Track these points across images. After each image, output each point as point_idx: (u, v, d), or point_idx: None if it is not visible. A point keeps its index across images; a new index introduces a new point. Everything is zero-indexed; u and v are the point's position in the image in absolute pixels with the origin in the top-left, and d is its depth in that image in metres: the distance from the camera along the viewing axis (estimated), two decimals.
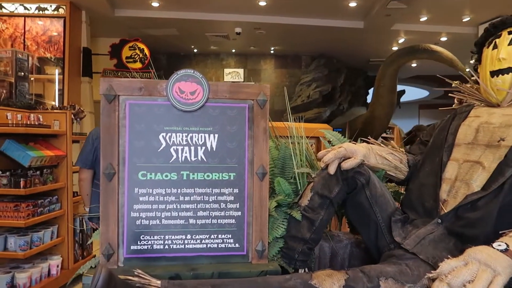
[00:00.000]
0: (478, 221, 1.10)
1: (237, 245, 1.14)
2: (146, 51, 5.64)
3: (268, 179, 1.15)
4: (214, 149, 1.13)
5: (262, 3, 6.01)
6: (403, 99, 9.75)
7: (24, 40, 5.23)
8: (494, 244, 0.93)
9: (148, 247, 1.09)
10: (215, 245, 1.12)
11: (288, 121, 1.58)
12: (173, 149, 1.11)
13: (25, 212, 2.67)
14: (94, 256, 1.11)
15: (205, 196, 1.12)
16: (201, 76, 1.12)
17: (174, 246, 1.10)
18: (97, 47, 6.35)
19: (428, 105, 14.94)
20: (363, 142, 1.39)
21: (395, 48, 7.86)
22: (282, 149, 1.47)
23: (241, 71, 8.95)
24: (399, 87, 6.63)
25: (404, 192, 1.59)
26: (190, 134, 1.11)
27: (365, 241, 1.29)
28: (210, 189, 1.12)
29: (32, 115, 2.89)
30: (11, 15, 5.24)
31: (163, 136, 1.10)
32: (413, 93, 12.85)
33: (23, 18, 5.23)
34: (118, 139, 1.08)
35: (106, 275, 0.84)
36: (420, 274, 1.05)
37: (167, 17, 6.43)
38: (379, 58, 8.60)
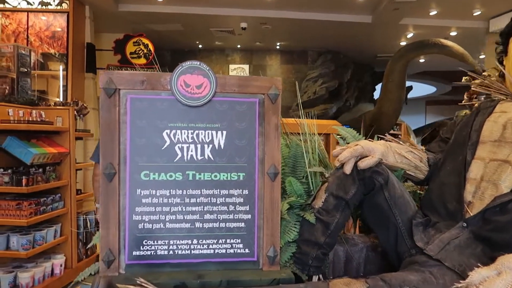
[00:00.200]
0: (509, 225, 1.01)
1: (247, 250, 1.06)
2: (151, 46, 5.57)
3: (280, 179, 1.07)
4: (222, 147, 1.05)
5: None
6: (410, 95, 9.62)
7: (27, 35, 5.17)
8: None
9: (151, 253, 1.01)
10: (223, 251, 1.05)
11: (296, 117, 1.50)
12: (178, 147, 1.03)
13: (27, 211, 2.61)
14: (97, 256, 1.03)
15: (212, 198, 1.04)
16: (208, 68, 1.03)
17: (179, 252, 1.02)
18: (101, 42, 6.29)
19: (435, 101, 14.77)
20: (380, 139, 1.30)
21: (403, 43, 7.72)
22: (293, 147, 1.38)
23: (246, 67, 8.86)
24: (407, 83, 6.51)
25: (422, 193, 1.51)
26: (196, 131, 1.03)
27: (383, 245, 1.21)
28: (218, 190, 1.04)
29: (34, 111, 2.83)
30: (14, 10, 5.18)
31: (167, 133, 1.02)
32: (420, 89, 12.68)
33: (26, 13, 5.17)
34: (118, 136, 1.00)
35: (105, 286, 0.76)
36: (446, 283, 0.97)
37: (171, 12, 6.34)
38: (387, 54, 8.46)
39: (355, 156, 1.16)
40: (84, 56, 5.59)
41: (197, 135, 1.03)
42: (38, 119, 2.83)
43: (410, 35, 7.51)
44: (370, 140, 1.26)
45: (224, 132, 1.05)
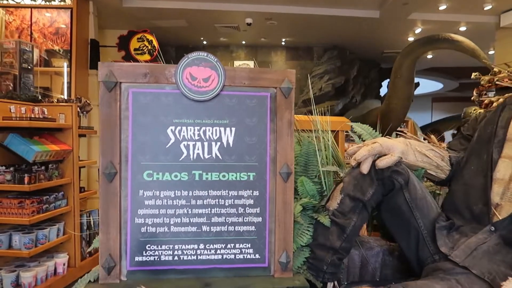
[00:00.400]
0: None
1: (257, 256, 0.98)
2: (155, 42, 5.50)
3: (293, 179, 0.99)
4: (231, 145, 0.97)
5: None
6: (416, 92, 9.48)
7: (31, 32, 5.12)
8: None
9: (155, 259, 0.94)
10: (232, 256, 0.97)
11: (301, 114, 1.42)
12: (184, 145, 0.95)
13: (29, 209, 2.56)
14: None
15: (220, 200, 0.97)
16: (215, 59, 0.96)
17: (185, 257, 0.95)
18: (105, 39, 6.23)
19: (441, 98, 14.59)
20: (399, 137, 1.22)
21: (411, 39, 7.58)
22: (304, 145, 1.30)
23: (251, 63, 8.76)
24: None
25: (440, 192, 1.43)
26: (203, 128, 0.96)
27: (403, 250, 1.13)
28: (226, 191, 0.97)
29: (36, 108, 2.78)
30: (18, 6, 5.13)
31: (171, 130, 0.95)
32: (426, 85, 12.51)
33: (29, 9, 5.11)
34: (119, 133, 0.93)
35: None
36: None
37: (176, 8, 6.26)
38: (394, 50, 8.33)
39: (373, 155, 1.08)
40: (88, 53, 5.54)
41: (204, 132, 0.96)
42: (41, 116, 2.77)
43: (418, 31, 7.37)
44: (388, 137, 1.18)
45: (233, 129, 0.97)
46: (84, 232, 3.15)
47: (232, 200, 0.97)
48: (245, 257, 0.98)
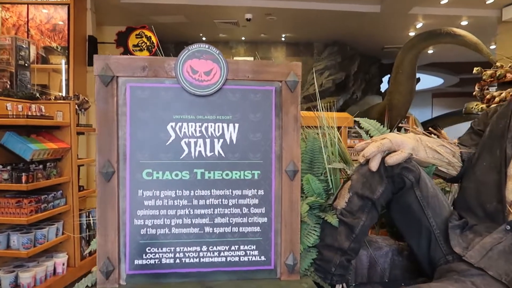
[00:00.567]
0: None
1: (262, 258, 0.94)
2: (154, 39, 5.44)
3: (299, 178, 0.95)
4: (234, 142, 0.92)
5: None
6: (416, 87, 9.42)
7: (27, 28, 5.05)
8: None
9: (155, 262, 0.90)
10: (236, 258, 0.93)
11: (310, 109, 1.37)
12: (185, 142, 0.91)
13: (27, 209, 2.52)
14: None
15: (223, 199, 0.92)
16: (217, 52, 0.91)
17: (187, 260, 0.91)
18: (103, 35, 6.17)
19: (442, 93, 14.54)
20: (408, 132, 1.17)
21: (412, 34, 7.52)
22: (310, 141, 1.26)
23: (251, 59, 8.70)
24: None
25: (449, 189, 1.38)
26: (205, 124, 0.91)
27: (414, 250, 1.08)
28: (230, 190, 0.92)
29: (33, 105, 2.73)
30: (14, 2, 5.06)
31: (172, 126, 0.90)
32: (426, 81, 12.45)
33: (26, 5, 5.05)
34: (117, 130, 0.88)
35: None
36: None
37: (174, 3, 6.19)
38: (394, 45, 8.27)
39: (382, 151, 1.03)
40: (86, 50, 5.47)
41: (206, 128, 0.91)
42: (38, 114, 2.72)
43: (419, 25, 7.30)
44: (397, 133, 1.13)
45: (237, 125, 0.92)
46: (84, 232, 3.10)
47: (236, 199, 0.93)
48: (250, 259, 0.93)
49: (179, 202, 0.91)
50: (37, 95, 3.08)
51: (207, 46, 0.90)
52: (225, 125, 0.92)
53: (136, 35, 5.48)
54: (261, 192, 0.94)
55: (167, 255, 0.90)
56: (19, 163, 2.67)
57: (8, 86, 2.96)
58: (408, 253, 1.21)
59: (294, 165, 0.93)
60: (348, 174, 1.21)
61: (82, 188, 3.15)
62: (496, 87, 5.20)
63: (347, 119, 1.58)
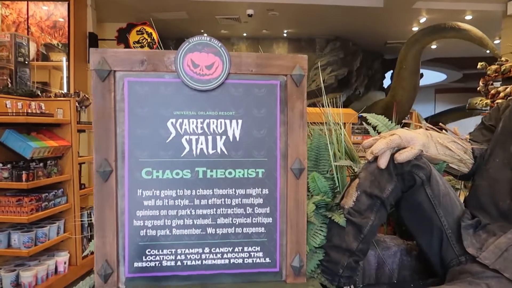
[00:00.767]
0: None
1: (267, 260, 0.90)
2: (154, 35, 5.38)
3: (305, 176, 0.91)
4: (238, 139, 0.88)
5: None
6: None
7: (27, 26, 5.02)
8: None
9: (155, 264, 0.86)
10: (240, 260, 0.89)
11: (315, 105, 1.33)
12: (186, 139, 0.87)
13: (28, 207, 2.49)
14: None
15: (226, 199, 0.88)
16: (220, 44, 0.86)
17: (189, 262, 0.87)
18: (104, 32, 6.12)
19: (445, 89, 14.44)
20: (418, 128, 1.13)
21: (415, 29, 7.44)
22: (315, 137, 1.22)
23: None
24: None
25: (459, 188, 1.34)
26: (207, 120, 0.87)
27: (424, 251, 1.04)
28: (233, 189, 0.89)
29: (33, 103, 2.70)
30: None
31: (172, 123, 0.86)
32: (429, 76, 12.36)
33: (26, 2, 5.00)
34: (115, 127, 0.84)
35: None
36: None
37: None
38: (397, 40, 8.19)
39: (392, 148, 0.99)
40: (86, 46, 5.43)
41: (208, 125, 0.87)
42: (38, 111, 2.69)
43: (423, 20, 7.21)
44: (406, 129, 1.09)
45: (240, 121, 0.88)
46: (86, 231, 3.08)
47: (240, 199, 0.89)
48: (254, 261, 0.90)
49: (180, 202, 0.87)
50: (37, 92, 3.05)
51: (208, 39, 0.86)
52: (227, 121, 0.88)
53: (137, 31, 5.44)
54: (265, 191, 0.90)
55: (168, 257, 0.86)
56: (19, 161, 2.64)
57: (8, 84, 2.93)
58: (417, 253, 1.17)
59: (300, 163, 0.89)
60: (355, 172, 1.17)
61: (83, 186, 3.12)
62: (501, 82, 5.14)
63: (353, 115, 1.53)
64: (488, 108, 4.72)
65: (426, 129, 1.11)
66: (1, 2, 4.97)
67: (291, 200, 0.90)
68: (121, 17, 6.18)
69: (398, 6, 6.38)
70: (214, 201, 0.88)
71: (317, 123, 1.31)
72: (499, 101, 4.53)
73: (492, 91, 4.89)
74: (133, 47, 5.32)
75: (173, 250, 0.87)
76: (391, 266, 1.16)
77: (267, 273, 0.90)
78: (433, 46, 9.07)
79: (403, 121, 1.35)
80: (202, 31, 8.12)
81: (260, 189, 0.89)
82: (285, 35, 8.63)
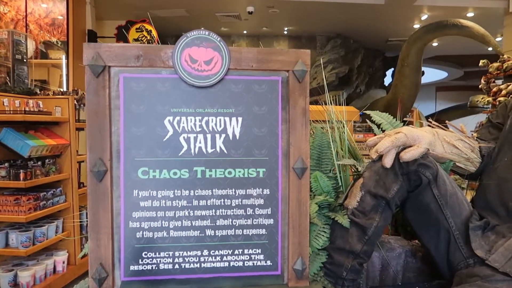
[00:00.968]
0: None
1: (268, 262, 0.87)
2: (154, 32, 5.35)
3: (308, 176, 0.87)
4: (238, 137, 0.85)
5: None
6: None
7: (26, 23, 4.98)
8: None
9: (152, 267, 0.83)
10: (240, 263, 0.86)
11: (317, 102, 1.30)
12: (183, 137, 0.83)
13: (26, 206, 2.46)
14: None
15: (226, 200, 0.85)
16: (219, 39, 0.83)
17: (187, 266, 0.84)
18: (103, 29, 6.09)
19: (446, 87, 14.40)
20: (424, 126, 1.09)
21: (416, 26, 7.39)
22: (317, 136, 1.18)
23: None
24: None
25: (465, 187, 1.30)
26: (206, 118, 0.84)
27: (431, 253, 1.01)
28: (233, 190, 0.85)
29: (31, 101, 2.66)
30: None
31: (169, 120, 0.83)
32: (430, 74, 12.31)
33: (24, 0, 4.96)
34: (109, 125, 0.81)
35: None
36: None
37: None
38: (398, 38, 8.14)
39: (397, 146, 0.96)
40: None
41: (207, 122, 0.84)
42: (36, 109, 2.65)
43: (424, 17, 7.17)
44: (412, 126, 1.05)
45: (240, 119, 0.85)
46: (84, 230, 3.05)
47: (240, 200, 0.86)
48: (255, 264, 0.86)
49: (178, 203, 0.84)
50: (35, 90, 3.01)
51: (207, 33, 0.83)
52: (227, 119, 0.84)
53: (137, 29, 5.40)
54: (266, 191, 0.86)
55: (165, 260, 0.83)
56: (17, 160, 2.61)
57: (8, 81, 2.89)
58: (422, 254, 1.14)
59: (303, 162, 0.86)
60: (359, 171, 1.14)
61: (82, 185, 3.09)
62: (502, 80, 5.10)
63: (355, 113, 1.50)
64: (490, 106, 4.68)
65: (432, 127, 1.07)
66: None
67: (293, 200, 0.86)
68: (120, 14, 6.14)
69: (399, 3, 6.33)
70: (213, 202, 0.85)
71: (319, 121, 1.28)
72: (501, 99, 4.49)
73: (494, 89, 4.85)
74: None
75: (171, 253, 0.83)
76: (395, 268, 1.13)
77: (268, 277, 0.87)
78: (434, 44, 9.03)
79: (405, 119, 1.32)
80: (202, 28, 8.08)
81: (261, 189, 0.86)
82: (285, 32, 8.59)
